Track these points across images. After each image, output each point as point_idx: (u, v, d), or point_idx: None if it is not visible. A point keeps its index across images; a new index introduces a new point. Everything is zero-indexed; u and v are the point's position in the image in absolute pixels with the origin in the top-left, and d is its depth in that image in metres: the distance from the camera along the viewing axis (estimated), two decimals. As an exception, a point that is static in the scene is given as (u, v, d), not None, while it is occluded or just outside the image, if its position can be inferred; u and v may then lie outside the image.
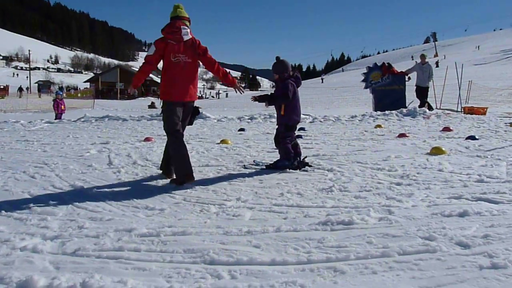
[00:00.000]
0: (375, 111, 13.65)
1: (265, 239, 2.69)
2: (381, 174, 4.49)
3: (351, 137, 7.76)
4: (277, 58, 4.97)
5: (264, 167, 4.94)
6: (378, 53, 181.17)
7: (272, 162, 4.98)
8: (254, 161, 5.33)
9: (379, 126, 9.51)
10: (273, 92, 5.18)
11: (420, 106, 13.34)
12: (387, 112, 12.39)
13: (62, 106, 16.81)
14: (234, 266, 2.31)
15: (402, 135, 7.62)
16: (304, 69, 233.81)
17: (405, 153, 5.70)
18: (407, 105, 14.28)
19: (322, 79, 72.83)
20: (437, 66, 23.41)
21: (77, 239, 2.76)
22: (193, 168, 4.41)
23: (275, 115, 12.07)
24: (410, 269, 2.21)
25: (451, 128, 8.58)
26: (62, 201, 3.70)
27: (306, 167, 4.87)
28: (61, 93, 18.49)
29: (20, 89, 59.29)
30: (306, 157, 5.22)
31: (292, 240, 2.65)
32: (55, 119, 14.64)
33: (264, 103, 4.99)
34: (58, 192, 3.99)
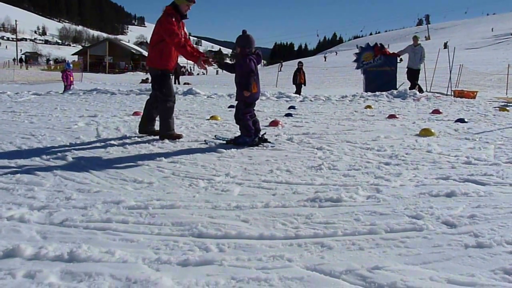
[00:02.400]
0: (366, 91, 13.67)
1: (254, 214, 2.70)
2: (370, 153, 4.52)
3: (341, 117, 7.77)
4: (243, 31, 4.91)
5: (225, 142, 4.97)
6: (371, 34, 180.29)
7: (233, 138, 5.01)
8: (215, 136, 5.38)
9: (369, 106, 9.53)
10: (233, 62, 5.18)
11: (410, 88, 13.40)
12: (377, 93, 12.42)
13: (71, 78, 16.97)
14: (222, 240, 2.31)
15: (391, 116, 7.65)
16: (296, 48, 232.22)
17: (394, 134, 5.74)
18: (398, 86, 14.31)
19: (325, 57, 72.25)
20: (445, 47, 23.37)
21: (65, 210, 2.74)
22: (182, 143, 4.88)
23: (266, 93, 12.03)
24: (397, 246, 2.24)
25: (440, 110, 8.64)
26: (50, 172, 3.66)
27: (266, 143, 4.91)
28: (70, 65, 18.61)
29: (21, 60, 58.40)
30: (265, 133, 5.23)
31: (281, 216, 2.67)
32: (64, 90, 14.72)
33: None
34: (46, 164, 3.94)
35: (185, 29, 5.30)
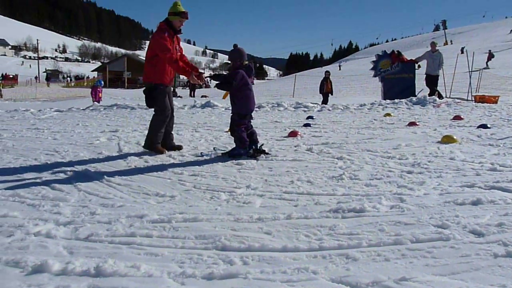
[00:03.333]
0: (384, 99, 13.54)
1: (276, 226, 2.69)
2: (392, 162, 4.46)
3: (360, 125, 7.71)
4: (234, 45, 5.04)
5: (221, 154, 5.02)
6: (387, 41, 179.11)
7: (228, 150, 5.05)
8: (214, 148, 5.41)
9: (388, 114, 9.44)
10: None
11: (430, 95, 13.22)
12: (396, 100, 12.29)
13: (100, 94, 17.52)
14: (245, 252, 2.31)
15: (412, 124, 7.56)
16: (311, 58, 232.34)
17: (415, 142, 5.66)
18: (416, 93, 14.14)
19: (339, 66, 72.01)
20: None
21: (90, 225, 2.78)
22: (202, 155, 5.02)
23: (283, 103, 12.04)
24: (424, 256, 2.20)
25: (462, 116, 8.49)
26: (74, 187, 3.73)
27: (263, 154, 4.95)
28: (101, 82, 19.26)
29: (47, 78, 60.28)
30: (262, 144, 5.24)
31: (303, 227, 2.65)
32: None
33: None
34: (70, 179, 4.01)
35: (180, 44, 5.38)
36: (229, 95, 5.01)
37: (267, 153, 5.02)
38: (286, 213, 2.91)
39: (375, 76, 15.16)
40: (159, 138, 5.24)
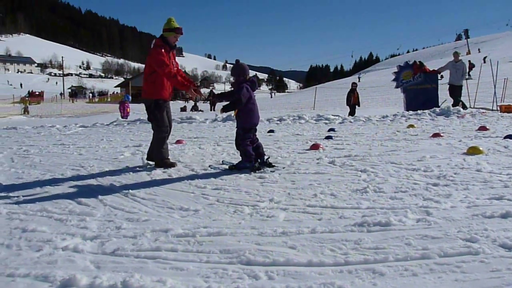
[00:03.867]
0: (407, 110, 13.38)
1: (301, 240, 2.67)
2: (417, 174, 4.39)
3: (383, 137, 7.63)
4: (236, 61, 5.16)
5: (228, 167, 5.08)
6: (408, 51, 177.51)
7: (235, 164, 5.09)
8: (222, 161, 5.47)
9: (411, 126, 9.31)
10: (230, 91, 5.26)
11: (453, 105, 13.01)
12: (419, 111, 12.13)
13: (128, 109, 17.99)
14: (271, 267, 2.30)
15: (436, 135, 7.44)
16: (331, 70, 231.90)
17: (440, 153, 5.56)
18: (440, 104, 13.94)
19: (359, 78, 71.73)
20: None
21: (116, 239, 2.82)
22: (225, 169, 5.06)
23: (304, 116, 12.03)
24: (452, 271, 2.15)
25: (487, 127, 8.31)
26: (100, 202, 3.79)
27: (269, 168, 5.00)
28: (129, 97, 19.77)
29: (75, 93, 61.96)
30: (269, 157, 5.27)
31: (328, 241, 2.63)
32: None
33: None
34: (96, 194, 4.08)
35: (176, 59, 5.50)
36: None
37: (273, 166, 5.08)
38: (310, 227, 2.89)
39: (397, 87, 15.02)
40: (165, 153, 5.38)
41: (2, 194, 4.19)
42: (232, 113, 5.11)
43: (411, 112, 12.45)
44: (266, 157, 5.19)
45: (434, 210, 3.16)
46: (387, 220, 2.91)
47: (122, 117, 17.42)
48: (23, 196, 4.05)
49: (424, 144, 6.56)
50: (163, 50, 5.16)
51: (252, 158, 4.96)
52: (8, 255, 2.60)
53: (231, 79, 5.19)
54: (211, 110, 29.26)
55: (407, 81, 14.48)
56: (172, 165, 5.32)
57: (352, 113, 15.81)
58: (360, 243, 2.58)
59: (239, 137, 4.99)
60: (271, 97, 65.47)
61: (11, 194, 4.15)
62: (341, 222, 2.98)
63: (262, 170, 4.88)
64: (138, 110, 31.00)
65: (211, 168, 5.16)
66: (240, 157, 5.06)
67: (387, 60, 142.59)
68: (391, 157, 5.46)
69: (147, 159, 5.57)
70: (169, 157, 5.45)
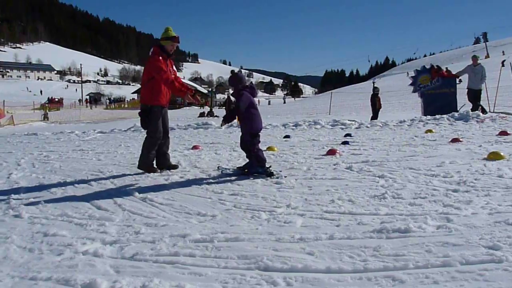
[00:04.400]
0: (425, 115, 13.21)
1: (319, 247, 2.66)
2: (436, 180, 4.33)
3: (400, 142, 7.54)
4: (232, 72, 5.26)
5: (236, 168, 5.20)
6: (425, 55, 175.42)
7: (243, 166, 5.18)
8: (237, 167, 5.45)
9: (429, 131, 9.19)
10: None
11: (472, 110, 12.79)
12: (437, 116, 11.96)
13: None
14: (289, 273, 2.30)
15: (455, 140, 7.32)
16: (347, 75, 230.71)
17: (460, 159, 5.47)
18: (458, 108, 13.73)
19: (373, 82, 71.26)
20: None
21: (135, 244, 2.85)
22: (219, 169, 5.33)
23: (320, 121, 11.99)
24: (475, 279, 2.11)
25: (508, 132, 8.15)
26: (118, 207, 3.84)
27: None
28: None
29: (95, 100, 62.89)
30: (270, 166, 5.18)
31: (347, 248, 2.61)
32: None
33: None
34: (114, 199, 4.13)
35: (173, 67, 5.61)
36: (238, 117, 5.15)
37: (276, 172, 5.07)
38: (328, 233, 2.88)
39: (414, 91, 14.85)
40: (151, 158, 5.43)
41: (24, 198, 4.28)
42: (235, 121, 5.15)
43: (429, 117, 12.28)
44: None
45: (455, 216, 3.11)
46: (406, 226, 2.88)
47: None
48: (44, 201, 4.12)
49: (443, 149, 6.46)
50: (160, 58, 5.28)
51: (264, 163, 5.00)
52: (30, 258, 2.65)
53: (230, 90, 5.29)
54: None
55: (425, 85, 14.31)
56: (153, 171, 5.40)
57: (375, 117, 15.68)
58: (379, 250, 2.55)
59: (248, 143, 5.05)
60: (284, 102, 65.44)
61: (32, 199, 4.23)
62: (360, 229, 2.95)
63: (276, 175, 4.87)
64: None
65: (219, 169, 5.24)
66: (251, 162, 5.08)
67: (403, 64, 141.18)
68: (409, 162, 5.40)
69: (158, 167, 5.58)
70: (153, 163, 5.48)
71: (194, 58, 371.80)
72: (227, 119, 5.12)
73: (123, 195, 4.30)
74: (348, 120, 12.13)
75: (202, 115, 30.80)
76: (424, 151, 6.36)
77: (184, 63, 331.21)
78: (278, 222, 3.23)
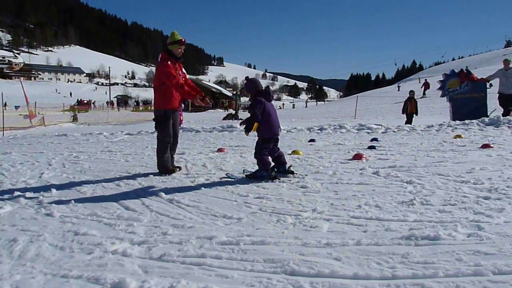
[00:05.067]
0: (453, 120, 12.91)
1: (346, 252, 2.63)
2: (466, 187, 4.22)
3: (429, 148, 7.39)
4: (246, 78, 5.36)
5: (245, 176, 5.19)
6: (453, 59, 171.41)
7: (251, 173, 5.18)
8: (243, 170, 5.54)
9: (459, 136, 8.97)
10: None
11: (504, 115, 12.42)
12: (466, 121, 11.67)
13: (181, 117, 18.52)
14: (315, 278, 2.29)
15: (485, 146, 7.12)
16: (373, 78, 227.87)
17: (491, 165, 5.32)
18: (489, 113, 13.36)
19: (398, 86, 70.24)
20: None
21: (162, 245, 2.89)
22: (227, 176, 5.28)
23: (345, 125, 11.88)
24: (509, 290, 2.05)
25: (542, 138, 7.88)
26: (146, 208, 3.90)
27: (291, 175, 5.13)
28: (182, 106, 20.31)
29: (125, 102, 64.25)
30: (291, 165, 5.34)
31: (374, 254, 2.57)
32: None
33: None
34: (142, 200, 4.20)
35: (183, 69, 5.70)
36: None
37: (295, 173, 5.18)
38: (355, 238, 2.85)
39: (442, 96, 14.55)
40: (167, 161, 5.60)
41: (56, 198, 4.40)
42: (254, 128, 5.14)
43: (457, 121, 12.00)
44: (288, 165, 5.27)
45: (486, 224, 3.03)
46: (436, 234, 2.82)
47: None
48: (74, 200, 4.23)
49: (473, 155, 6.30)
50: (169, 63, 5.38)
51: (268, 167, 5.05)
52: (62, 256, 2.72)
53: (248, 98, 5.34)
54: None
55: (454, 89, 14.00)
56: (172, 171, 5.58)
57: (409, 121, 15.32)
58: (408, 257, 2.51)
59: (258, 146, 5.11)
60: (306, 106, 65.16)
61: (63, 198, 4.35)
62: (387, 235, 2.91)
63: (279, 179, 4.95)
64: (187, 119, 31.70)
65: (227, 176, 5.26)
66: (257, 166, 5.14)
67: (431, 68, 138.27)
68: (438, 168, 5.29)
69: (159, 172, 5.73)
70: (169, 165, 5.65)
71: (220, 62, 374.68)
72: (248, 129, 5.14)
73: (150, 196, 4.37)
74: (374, 124, 11.96)
75: (227, 117, 30.93)
76: (453, 156, 6.22)
77: (209, 66, 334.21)
78: (304, 226, 3.22)
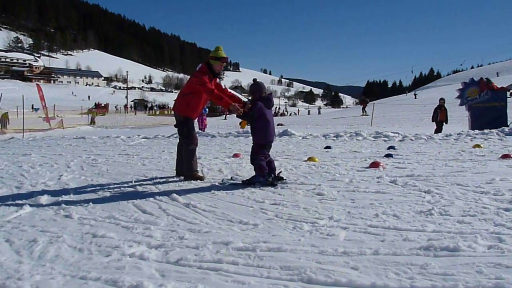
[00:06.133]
0: (472, 129, 12.74)
1: (363, 262, 2.61)
2: (486, 198, 4.15)
3: (447, 157, 7.29)
4: (254, 80, 5.43)
5: (241, 182, 5.19)
6: (472, 67, 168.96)
7: (248, 178, 5.22)
8: (231, 177, 5.56)
9: (478, 146, 8.83)
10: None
11: (524, 125, 12.22)
12: (486, 130, 11.50)
13: (206, 121, 18.91)
14: (332, 287, 2.27)
15: (506, 156, 7.00)
16: (389, 86, 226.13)
17: (511, 176, 5.22)
18: (509, 123, 13.15)
19: (415, 94, 69.67)
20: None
21: (179, 249, 2.91)
22: (283, 185, 5.09)
23: (362, 133, 11.81)
24: (531, 305, 2.00)
25: None
26: (163, 212, 3.93)
27: (281, 181, 5.18)
28: (206, 110, 20.67)
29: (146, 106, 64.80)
30: (280, 171, 5.47)
31: (392, 264, 2.54)
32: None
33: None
34: (159, 204, 4.23)
35: (217, 81, 5.73)
36: (250, 125, 5.23)
37: (284, 179, 5.26)
38: (373, 248, 2.82)
39: (461, 104, 14.38)
40: (195, 166, 5.59)
41: (74, 200, 4.47)
42: (242, 123, 5.24)
43: (477, 131, 11.83)
44: (277, 171, 5.35)
45: (507, 237, 2.97)
46: (455, 245, 2.77)
47: (200, 129, 17.85)
48: (92, 203, 4.29)
49: (492, 165, 6.19)
50: (207, 77, 5.36)
51: (265, 173, 5.12)
52: (80, 258, 2.76)
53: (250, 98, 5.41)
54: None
55: (473, 98, 13.84)
56: (201, 178, 5.52)
57: (438, 130, 14.78)
58: (427, 268, 2.47)
59: (254, 152, 5.16)
60: (319, 113, 64.94)
61: (81, 201, 4.41)
62: (406, 245, 2.87)
63: (276, 185, 5.00)
64: (197, 124, 31.89)
65: (223, 182, 5.28)
66: (254, 171, 5.18)
67: (449, 76, 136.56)
68: (457, 178, 5.21)
69: (177, 173, 5.77)
70: (197, 170, 5.65)
71: (236, 67, 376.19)
72: (242, 117, 5.19)
73: (167, 200, 4.40)
74: (391, 132, 11.86)
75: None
76: (472, 166, 6.12)
77: (225, 71, 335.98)
78: (320, 234, 3.20)
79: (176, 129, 5.70)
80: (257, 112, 5.08)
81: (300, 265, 2.56)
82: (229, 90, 5.95)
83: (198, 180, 5.42)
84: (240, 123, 5.38)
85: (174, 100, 6.04)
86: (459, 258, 2.60)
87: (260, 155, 5.13)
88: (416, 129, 15.75)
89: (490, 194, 4.29)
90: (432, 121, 15.65)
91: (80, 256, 2.81)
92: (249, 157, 5.30)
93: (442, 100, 15.78)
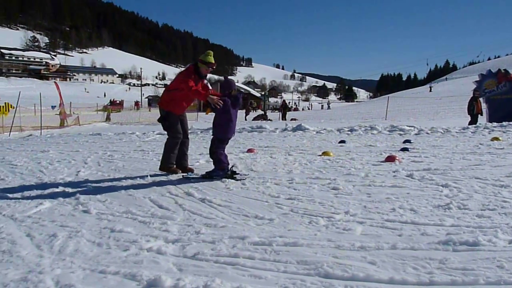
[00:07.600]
0: (490, 122, 12.53)
1: (381, 256, 2.59)
2: (506, 191, 4.08)
3: (464, 150, 7.19)
4: (224, 77, 5.54)
5: (200, 176, 5.31)
6: (489, 59, 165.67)
7: (207, 172, 5.34)
8: (188, 174, 5.57)
9: (496, 138, 8.68)
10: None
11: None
12: (504, 123, 11.30)
13: None
14: (350, 282, 2.26)
15: (525, 149, 6.87)
16: (404, 79, 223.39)
17: (531, 169, 5.12)
18: (528, 115, 12.89)
19: (430, 87, 68.79)
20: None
21: (195, 243, 2.92)
22: (297, 180, 5.03)
23: (377, 126, 11.69)
24: (554, 300, 1.96)
25: None
26: (179, 207, 3.96)
27: (235, 175, 5.22)
28: None
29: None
30: (233, 165, 5.53)
31: (410, 259, 2.52)
32: None
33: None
34: (175, 199, 4.26)
35: (204, 82, 5.82)
36: (213, 119, 5.33)
37: (238, 173, 5.32)
38: (390, 242, 2.79)
39: (479, 97, 14.12)
40: (172, 159, 5.69)
41: (92, 195, 4.52)
42: (207, 110, 5.34)
43: (494, 123, 11.63)
44: (230, 166, 5.36)
45: (529, 231, 2.91)
46: (475, 239, 2.73)
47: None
48: (109, 198, 4.34)
49: (511, 158, 6.08)
50: (192, 77, 5.47)
51: (225, 166, 5.23)
52: (99, 252, 2.80)
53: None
54: (282, 119, 29.45)
55: (490, 90, 13.60)
56: (176, 172, 5.64)
57: (474, 121, 14.13)
58: (446, 262, 2.44)
59: (214, 145, 5.25)
60: (328, 108, 64.52)
61: (99, 196, 4.46)
62: (424, 239, 2.84)
63: (236, 179, 5.07)
64: (211, 119, 31.96)
65: (187, 175, 5.38)
66: (213, 165, 5.29)
67: (465, 68, 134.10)
68: (475, 171, 5.13)
69: (177, 167, 5.81)
70: (174, 163, 5.73)
71: (248, 62, 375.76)
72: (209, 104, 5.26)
73: (183, 195, 4.43)
74: (407, 126, 11.73)
75: (259, 117, 30.92)
76: (490, 159, 6.02)
77: (238, 67, 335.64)
78: (336, 228, 3.19)
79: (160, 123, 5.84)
80: (222, 106, 5.12)
81: (316, 260, 2.55)
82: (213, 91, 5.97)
83: (172, 174, 5.57)
84: (205, 110, 5.49)
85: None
86: (479, 253, 2.57)
87: (220, 149, 5.25)
88: (432, 123, 15.53)
89: (510, 188, 4.22)
90: (468, 113, 14.88)
91: (99, 250, 2.85)
92: (209, 151, 5.37)
93: (476, 92, 14.85)
